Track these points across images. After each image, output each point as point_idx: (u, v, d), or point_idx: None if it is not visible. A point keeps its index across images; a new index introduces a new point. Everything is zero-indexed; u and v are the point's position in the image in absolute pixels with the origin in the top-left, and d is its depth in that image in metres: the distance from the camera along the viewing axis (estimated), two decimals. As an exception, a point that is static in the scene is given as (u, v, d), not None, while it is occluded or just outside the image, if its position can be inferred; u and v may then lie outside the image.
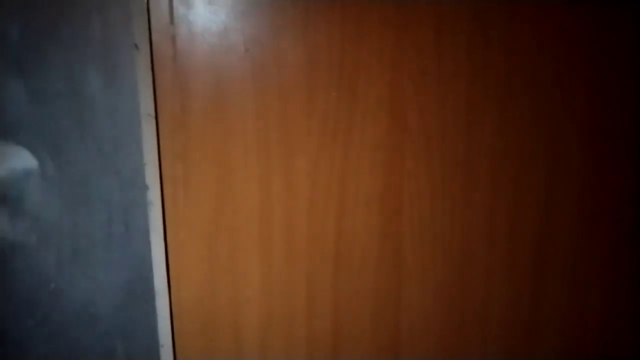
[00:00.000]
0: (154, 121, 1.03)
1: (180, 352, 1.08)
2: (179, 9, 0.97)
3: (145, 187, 1.08)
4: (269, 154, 1.00)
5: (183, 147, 1.03)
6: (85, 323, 1.28)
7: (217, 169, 1.02)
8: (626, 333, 1.00)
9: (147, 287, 1.21)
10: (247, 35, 0.96)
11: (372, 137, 0.95)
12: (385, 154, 0.95)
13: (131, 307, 1.25)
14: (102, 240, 1.22)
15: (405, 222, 0.98)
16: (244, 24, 0.95)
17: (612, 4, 0.87)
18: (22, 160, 1.21)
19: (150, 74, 1.00)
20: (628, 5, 0.88)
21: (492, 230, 0.99)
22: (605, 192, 0.98)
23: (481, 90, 0.92)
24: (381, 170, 0.96)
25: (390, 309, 1.03)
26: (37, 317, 1.29)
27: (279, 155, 0.99)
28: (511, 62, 0.92)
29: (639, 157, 0.94)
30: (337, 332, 1.04)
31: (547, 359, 1.01)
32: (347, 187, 0.98)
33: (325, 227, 1.00)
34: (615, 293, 1.01)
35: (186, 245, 1.07)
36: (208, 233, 1.05)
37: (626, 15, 0.89)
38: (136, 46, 1.00)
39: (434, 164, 0.94)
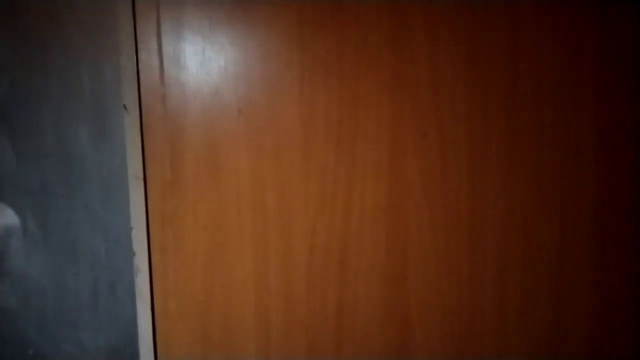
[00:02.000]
0: (142, 184, 0.98)
1: None
2: (170, 69, 0.93)
3: (132, 253, 1.02)
4: (265, 218, 0.94)
5: (173, 211, 0.98)
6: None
7: (209, 235, 0.97)
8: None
9: (132, 352, 1.14)
10: (240, 96, 0.92)
11: (372, 200, 0.90)
12: (387, 218, 0.90)
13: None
14: (86, 303, 1.17)
15: (410, 289, 0.92)
16: (237, 85, 0.92)
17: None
18: (4, 217, 1.16)
19: (139, 135, 0.96)
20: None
21: (501, 296, 0.93)
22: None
23: (483, 151, 0.88)
24: (384, 235, 0.91)
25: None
26: None
27: (275, 219, 0.94)
28: (514, 122, 0.89)
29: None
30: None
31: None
32: (347, 253, 0.92)
33: (326, 296, 0.93)
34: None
35: (175, 316, 1.00)
36: (200, 302, 0.98)
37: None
38: (125, 107, 0.96)
39: (438, 229, 0.89)
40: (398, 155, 0.88)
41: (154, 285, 1.00)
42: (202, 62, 0.92)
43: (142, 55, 0.94)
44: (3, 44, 1.10)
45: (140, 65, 0.94)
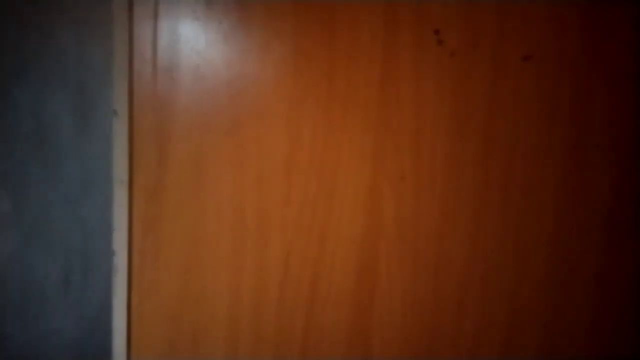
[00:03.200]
0: (126, 188, 0.99)
1: None
2: (163, 80, 0.94)
3: (112, 253, 1.04)
4: (243, 235, 0.97)
5: (155, 217, 1.00)
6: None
7: (188, 244, 0.99)
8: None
9: (103, 346, 1.18)
10: (229, 116, 0.93)
11: (347, 232, 0.93)
12: (359, 251, 0.93)
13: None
14: (56, 290, 1.19)
15: (375, 318, 0.96)
16: (227, 106, 0.93)
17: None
18: None
19: (127, 140, 0.97)
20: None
21: (457, 334, 0.97)
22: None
23: (455, 198, 0.91)
24: (354, 266, 0.94)
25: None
26: None
27: (252, 237, 0.97)
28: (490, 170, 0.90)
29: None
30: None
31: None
32: (319, 281, 0.95)
33: (294, 318, 0.97)
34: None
35: (149, 317, 1.04)
36: (173, 307, 1.02)
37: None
38: (115, 112, 0.97)
39: (406, 265, 0.93)
40: (376, 193, 0.90)
41: (131, 286, 1.03)
42: (195, 79, 0.93)
43: (137, 63, 0.94)
44: None
45: (133, 73, 0.94)
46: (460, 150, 0.87)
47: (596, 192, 0.91)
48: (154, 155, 0.97)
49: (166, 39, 0.93)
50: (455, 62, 0.85)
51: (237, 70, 0.91)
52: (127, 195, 1.00)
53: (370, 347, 0.95)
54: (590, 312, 0.93)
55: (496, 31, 0.85)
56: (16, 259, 1.20)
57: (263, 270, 0.97)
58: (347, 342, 0.95)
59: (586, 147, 0.90)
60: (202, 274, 0.99)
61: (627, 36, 0.87)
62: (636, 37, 0.87)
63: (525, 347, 0.94)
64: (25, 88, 1.09)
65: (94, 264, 1.16)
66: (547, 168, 0.89)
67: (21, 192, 1.18)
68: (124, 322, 1.04)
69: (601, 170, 0.90)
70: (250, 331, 0.99)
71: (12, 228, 1.19)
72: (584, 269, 0.93)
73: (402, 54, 0.85)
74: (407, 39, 0.86)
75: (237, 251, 0.97)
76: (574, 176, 0.90)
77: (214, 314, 1.00)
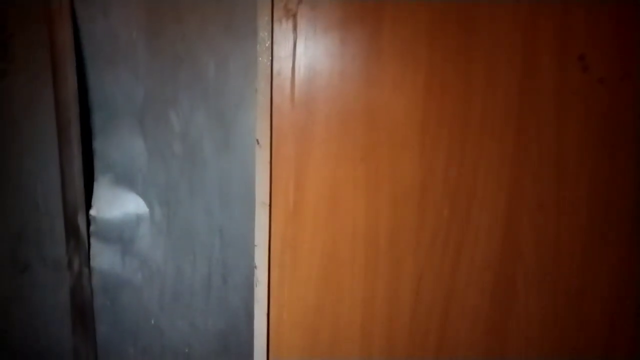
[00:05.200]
0: (267, 209, 1.09)
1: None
2: (300, 114, 1.01)
3: (253, 267, 1.15)
4: (377, 255, 1.02)
5: (293, 236, 1.08)
6: (179, 362, 1.40)
7: (324, 261, 1.06)
8: None
9: (240, 346, 1.30)
10: (363, 145, 0.98)
11: (482, 259, 0.94)
12: (494, 278, 0.94)
13: (225, 358, 1.35)
14: (200, 291, 1.33)
15: (509, 342, 0.96)
16: (361, 134, 0.98)
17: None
18: (136, 206, 1.34)
19: (268, 167, 1.06)
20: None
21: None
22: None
23: (599, 227, 0.87)
24: (489, 292, 0.95)
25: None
26: (138, 347, 1.44)
27: (385, 257, 1.01)
28: None
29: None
30: None
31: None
32: (452, 303, 0.98)
33: (427, 337, 1.00)
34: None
35: (288, 326, 1.13)
36: (310, 318, 1.10)
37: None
38: (257, 142, 1.07)
39: (544, 294, 0.92)
40: (513, 222, 0.90)
41: (270, 297, 1.14)
42: (330, 110, 0.99)
43: (276, 98, 1.02)
44: (141, 59, 1.23)
45: (273, 107, 1.03)
46: (606, 179, 0.84)
47: None
48: (292, 181, 1.05)
49: (303, 75, 0.99)
50: (603, 90, 0.81)
51: (371, 101, 0.95)
52: (268, 216, 1.09)
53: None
54: None
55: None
56: (167, 261, 1.37)
57: (395, 289, 1.01)
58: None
59: None
60: (337, 289, 1.06)
61: None
62: None
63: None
64: (179, 114, 1.23)
65: (233, 272, 1.28)
66: None
67: (170, 205, 1.33)
68: (264, 328, 1.15)
69: None
70: (383, 346, 1.04)
71: (163, 234, 1.36)
72: None
73: (543, 81, 0.84)
74: (549, 65, 0.84)
75: (370, 270, 1.03)
76: None
77: (349, 327, 1.07)
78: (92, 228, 1.40)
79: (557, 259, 0.88)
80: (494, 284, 0.92)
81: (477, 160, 0.89)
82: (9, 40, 1.31)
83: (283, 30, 0.99)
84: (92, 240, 1.41)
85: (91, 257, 1.42)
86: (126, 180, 1.35)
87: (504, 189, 0.88)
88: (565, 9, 0.81)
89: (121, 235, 1.40)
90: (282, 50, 1.00)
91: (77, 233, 1.41)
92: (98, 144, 1.34)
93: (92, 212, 1.39)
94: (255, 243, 1.12)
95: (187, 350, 1.39)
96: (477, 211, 0.91)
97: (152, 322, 1.42)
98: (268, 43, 0.99)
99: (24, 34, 1.29)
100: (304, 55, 0.99)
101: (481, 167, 0.89)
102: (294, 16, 0.98)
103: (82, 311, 1.46)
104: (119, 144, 1.32)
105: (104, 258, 1.42)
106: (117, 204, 1.37)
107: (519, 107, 0.86)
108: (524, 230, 0.89)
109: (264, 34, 1.00)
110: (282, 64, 1.01)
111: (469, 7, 0.86)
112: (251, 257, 1.16)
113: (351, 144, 0.98)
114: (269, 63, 1.00)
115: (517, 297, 0.92)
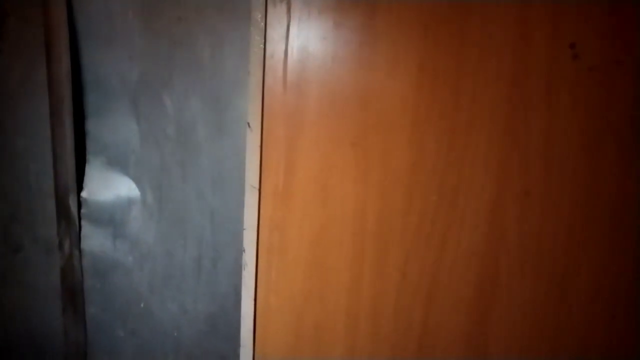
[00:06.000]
0: (257, 192, 1.09)
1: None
2: (291, 97, 1.01)
3: (241, 249, 1.15)
4: (364, 240, 1.02)
5: (282, 219, 1.09)
6: (169, 344, 1.41)
7: (312, 244, 1.07)
8: None
9: (229, 327, 1.30)
10: (355, 131, 0.98)
11: (467, 245, 0.94)
12: (480, 261, 0.94)
13: (214, 340, 1.35)
14: (191, 274, 1.34)
15: (492, 327, 0.97)
16: (353, 120, 0.98)
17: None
18: (127, 189, 1.34)
19: (258, 150, 1.07)
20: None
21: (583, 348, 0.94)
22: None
23: (584, 215, 0.88)
24: (474, 277, 0.95)
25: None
26: (127, 329, 1.45)
27: (372, 243, 1.02)
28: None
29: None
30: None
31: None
32: (437, 287, 0.98)
33: (411, 320, 1.01)
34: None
35: (274, 309, 1.14)
36: (297, 302, 1.11)
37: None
38: (248, 125, 1.07)
39: (527, 277, 0.92)
40: (500, 207, 0.91)
41: (258, 280, 1.14)
42: (322, 94, 0.99)
43: (268, 81, 1.02)
44: (136, 40, 1.22)
45: (265, 90, 1.03)
46: (594, 168, 0.85)
47: None
48: (282, 164, 1.05)
49: (296, 58, 0.99)
50: (593, 78, 0.81)
51: (363, 86, 0.95)
52: (257, 199, 1.10)
53: (487, 351, 0.97)
54: None
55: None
56: (158, 244, 1.37)
57: (382, 273, 1.02)
58: (464, 344, 0.98)
59: None
60: (324, 273, 1.07)
61: None
62: None
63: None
64: (173, 96, 1.22)
65: (223, 256, 1.28)
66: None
67: (162, 188, 1.33)
68: (251, 312, 1.16)
69: None
70: (368, 330, 1.05)
71: (154, 218, 1.36)
72: None
73: (534, 68, 0.84)
74: (540, 53, 0.84)
75: (357, 254, 1.03)
76: None
77: (335, 311, 1.07)
78: (83, 210, 1.40)
79: (541, 246, 0.89)
80: (479, 269, 0.93)
81: (466, 147, 0.90)
82: (2, 18, 1.30)
83: (277, 12, 0.99)
84: (83, 223, 1.41)
85: (82, 239, 1.42)
86: (118, 162, 1.35)
87: (491, 175, 0.89)
88: (556, -4, 0.81)
89: (112, 218, 1.40)
90: (276, 32, 1.00)
91: (69, 215, 1.41)
92: (91, 126, 1.34)
93: (84, 194, 1.39)
94: (244, 226, 1.12)
95: (175, 334, 1.39)
96: (464, 197, 0.92)
97: (142, 305, 1.43)
98: (262, 24, 0.99)
99: (17, 13, 1.29)
100: (297, 38, 0.99)
101: (470, 153, 0.89)
102: (288, -2, 0.98)
103: (73, 293, 1.46)
104: (112, 126, 1.31)
105: (94, 240, 1.42)
106: (108, 187, 1.37)
107: (510, 94, 0.86)
108: (509, 216, 0.89)
109: (257, 15, 0.99)
110: (275, 46, 1.01)
111: (462, -7, 0.86)
112: (241, 241, 1.16)
113: (342, 128, 0.98)
114: (262, 45, 1.00)
115: (500, 281, 0.93)
